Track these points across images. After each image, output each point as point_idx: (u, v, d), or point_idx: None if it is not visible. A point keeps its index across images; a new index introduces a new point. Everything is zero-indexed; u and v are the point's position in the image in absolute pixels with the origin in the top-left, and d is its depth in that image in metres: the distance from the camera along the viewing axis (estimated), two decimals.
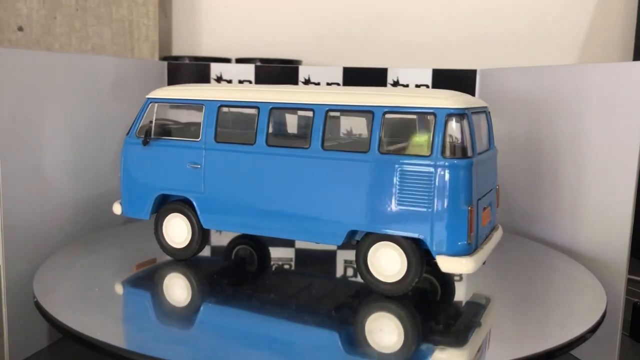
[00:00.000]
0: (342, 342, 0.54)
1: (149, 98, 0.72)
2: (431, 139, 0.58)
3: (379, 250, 0.61)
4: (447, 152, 0.58)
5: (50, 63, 0.76)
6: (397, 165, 0.59)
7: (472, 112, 0.62)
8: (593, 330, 0.56)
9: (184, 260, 0.72)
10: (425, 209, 0.59)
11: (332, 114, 0.63)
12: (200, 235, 0.70)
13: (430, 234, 0.59)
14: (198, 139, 0.68)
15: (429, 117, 0.59)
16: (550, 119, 0.84)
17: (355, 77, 1.02)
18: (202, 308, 0.62)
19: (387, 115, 0.61)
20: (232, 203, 0.67)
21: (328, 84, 1.03)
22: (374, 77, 1.03)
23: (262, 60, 1.10)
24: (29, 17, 1.18)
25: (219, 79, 1.04)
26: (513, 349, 0.52)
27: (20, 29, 1.18)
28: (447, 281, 0.69)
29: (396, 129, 0.66)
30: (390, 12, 1.26)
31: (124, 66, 0.92)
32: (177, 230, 0.71)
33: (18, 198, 0.70)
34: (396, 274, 0.61)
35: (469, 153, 0.59)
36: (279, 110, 0.67)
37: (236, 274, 0.72)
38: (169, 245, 0.72)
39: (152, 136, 0.71)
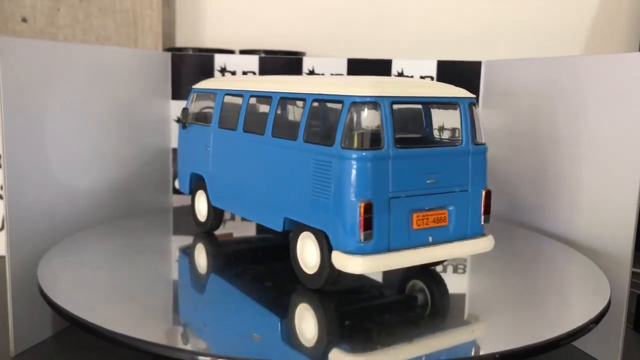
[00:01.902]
0: (270, 330, 0.54)
1: (192, 88, 0.81)
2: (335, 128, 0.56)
3: (303, 240, 0.61)
4: (348, 142, 0.55)
5: (54, 53, 0.76)
6: (312, 155, 0.58)
7: (404, 102, 0.58)
8: (596, 320, 0.56)
9: (205, 232, 0.80)
10: (327, 202, 0.57)
11: (282, 102, 0.65)
12: (212, 211, 0.77)
13: (330, 228, 0.57)
14: (210, 125, 0.75)
15: (338, 105, 0.57)
16: (555, 110, 0.84)
17: (359, 68, 1.02)
18: (206, 293, 0.62)
19: (316, 104, 0.60)
20: (224, 183, 0.73)
21: (332, 74, 1.03)
22: (379, 68, 1.03)
23: (267, 52, 1.10)
24: (32, 8, 1.18)
25: (223, 71, 1.03)
26: (515, 338, 0.52)
27: (24, 20, 1.18)
28: (439, 284, 0.66)
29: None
30: (395, 3, 1.25)
31: (127, 57, 0.92)
32: (201, 205, 0.80)
33: (23, 188, 0.70)
34: (314, 267, 0.60)
35: (377, 144, 0.55)
36: (256, 98, 0.69)
37: (261, 256, 0.74)
38: (197, 217, 0.81)
39: (188, 121, 0.80)
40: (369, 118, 0.55)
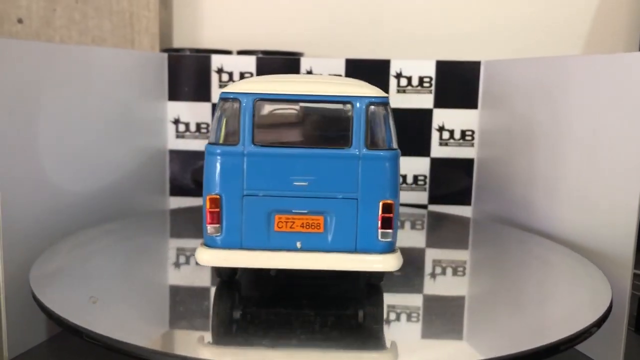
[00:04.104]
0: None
1: None
2: None
3: None
4: (213, 137, 0.57)
5: (50, 54, 0.75)
6: None
7: (273, 100, 0.57)
8: (598, 324, 0.55)
9: None
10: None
11: None
12: None
13: None
14: None
15: None
16: (555, 110, 0.83)
17: (357, 68, 1.01)
18: (201, 298, 0.61)
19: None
20: None
21: (329, 75, 1.02)
22: (377, 68, 1.02)
23: (264, 52, 1.09)
24: (28, 9, 1.17)
25: (220, 71, 1.03)
26: (517, 342, 0.51)
27: (20, 21, 1.17)
28: (375, 304, 0.60)
29: None
30: (394, 3, 1.25)
31: (124, 58, 0.91)
32: None
33: (16, 191, 0.69)
34: None
35: (233, 140, 0.56)
36: None
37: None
38: None
39: None
40: (228, 114, 0.56)
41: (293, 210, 0.56)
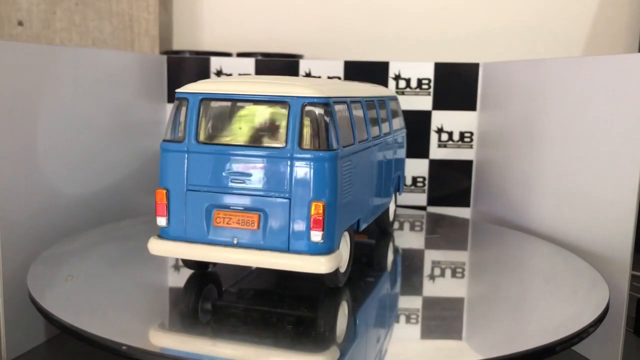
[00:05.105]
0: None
1: None
2: None
3: None
4: (166, 135, 0.60)
5: (49, 57, 0.75)
6: None
7: (217, 99, 0.58)
8: (595, 324, 0.55)
9: None
10: None
11: None
12: None
13: None
14: None
15: None
16: (553, 111, 0.83)
17: (356, 70, 1.02)
18: (198, 299, 0.61)
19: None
20: None
21: (329, 77, 1.02)
22: (375, 70, 1.02)
23: (264, 54, 1.09)
24: (28, 12, 1.17)
25: (219, 73, 1.03)
26: (513, 342, 0.51)
27: (20, 23, 1.18)
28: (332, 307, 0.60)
29: None
30: (393, 6, 1.25)
31: (124, 60, 0.91)
32: None
33: (14, 193, 0.69)
34: None
35: (179, 138, 0.59)
36: None
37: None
38: None
39: None
40: (178, 112, 0.60)
41: (231, 207, 0.57)
